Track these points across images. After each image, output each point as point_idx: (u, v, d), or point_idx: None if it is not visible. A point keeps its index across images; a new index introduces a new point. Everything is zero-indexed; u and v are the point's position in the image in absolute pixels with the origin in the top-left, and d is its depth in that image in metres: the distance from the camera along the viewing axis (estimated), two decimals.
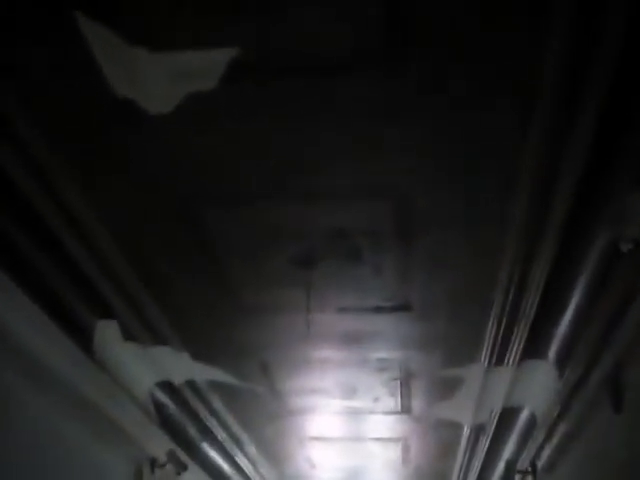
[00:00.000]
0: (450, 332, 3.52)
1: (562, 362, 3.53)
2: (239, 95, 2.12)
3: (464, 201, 2.55)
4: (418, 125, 2.21)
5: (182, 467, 4.74)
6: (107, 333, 3.56)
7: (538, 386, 3.92)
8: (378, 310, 3.35)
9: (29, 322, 2.96)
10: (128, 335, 3.66)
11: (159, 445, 4.53)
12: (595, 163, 2.27)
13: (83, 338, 3.42)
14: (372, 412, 4.80)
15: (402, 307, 3.32)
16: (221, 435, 5.23)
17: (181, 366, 4.07)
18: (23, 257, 2.80)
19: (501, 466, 5.11)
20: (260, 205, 2.67)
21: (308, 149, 2.34)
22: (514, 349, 3.60)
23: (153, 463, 4.41)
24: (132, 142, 2.33)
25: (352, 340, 3.69)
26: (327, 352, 3.85)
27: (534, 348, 3.56)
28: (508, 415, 4.45)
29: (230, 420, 4.99)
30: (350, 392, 4.45)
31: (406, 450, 5.55)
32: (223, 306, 3.38)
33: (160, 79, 2.07)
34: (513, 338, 3.50)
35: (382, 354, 3.87)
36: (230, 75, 2.03)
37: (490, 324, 3.40)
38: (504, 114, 2.14)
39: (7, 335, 2.84)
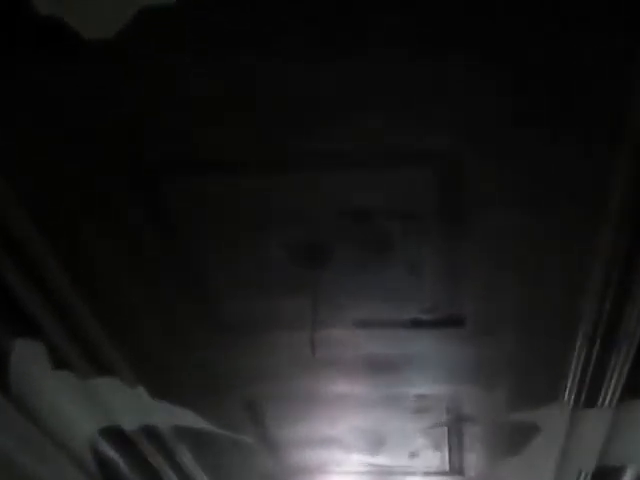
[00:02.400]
0: (519, 358, 3.54)
1: None
2: (210, 12, 2.10)
3: (536, 170, 2.52)
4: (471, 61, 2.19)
5: None
6: (29, 358, 3.61)
7: None
8: (415, 324, 3.38)
9: None
10: (59, 361, 3.73)
11: None
12: None
13: None
14: (408, 472, 4.88)
15: (450, 321, 3.34)
16: None
17: (135, 405, 4.16)
18: None
19: None
20: (242, 177, 2.67)
21: (311, 96, 2.33)
22: (612, 384, 3.64)
23: None
24: (60, 79, 2.32)
25: (378, 368, 3.74)
26: (342, 385, 3.91)
27: None
28: (604, 478, 4.47)
29: None
30: (376, 444, 4.53)
31: None
32: (194, 322, 3.44)
33: None
34: (610, 369, 3.53)
35: (421, 389, 3.93)
36: None
37: (577, 348, 3.41)
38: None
39: None
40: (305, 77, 2.25)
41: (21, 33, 2.19)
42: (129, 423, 4.34)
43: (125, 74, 2.30)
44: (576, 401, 3.81)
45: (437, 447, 4.47)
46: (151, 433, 4.44)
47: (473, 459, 4.57)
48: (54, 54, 2.24)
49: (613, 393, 3.68)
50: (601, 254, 2.86)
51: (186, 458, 4.74)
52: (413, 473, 4.86)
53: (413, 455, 4.59)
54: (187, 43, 2.18)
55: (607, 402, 3.76)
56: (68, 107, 2.42)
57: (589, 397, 3.76)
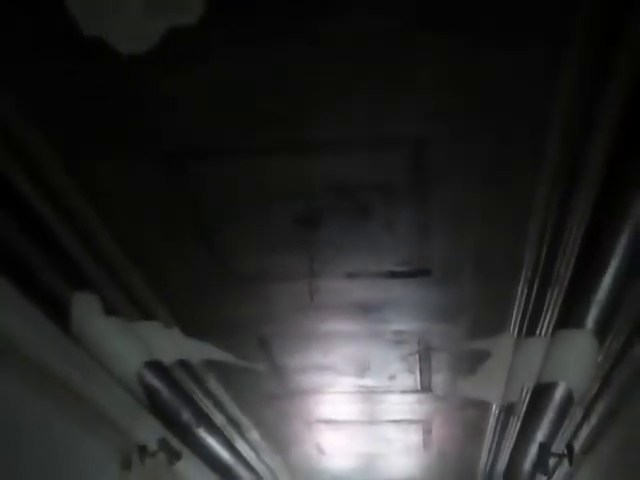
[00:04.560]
0: (475, 299, 3.52)
1: (602, 331, 3.55)
2: (224, 30, 2.07)
3: (488, 148, 2.51)
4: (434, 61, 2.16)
5: (176, 456, 4.81)
6: (86, 307, 3.60)
7: (575, 359, 3.94)
8: (392, 275, 3.34)
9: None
10: (110, 309, 3.70)
11: (149, 432, 4.60)
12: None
13: (59, 313, 3.45)
14: (388, 391, 4.83)
15: (420, 271, 3.31)
16: (219, 419, 5.30)
17: (171, 343, 4.12)
18: None
19: (534, 449, 5.14)
20: (252, 159, 2.64)
21: (305, 92, 2.31)
22: (547, 317, 3.62)
23: (143, 452, 4.46)
24: (104, 88, 2.29)
25: (363, 310, 3.71)
26: (335, 324, 3.87)
27: (570, 316, 3.58)
28: (542, 392, 4.49)
29: (228, 403, 5.06)
30: (362, 369, 4.49)
31: (427, 433, 5.61)
32: (215, 275, 3.39)
33: (133, 14, 2.03)
34: (546, 305, 3.51)
35: (398, 325, 3.88)
36: (213, 7, 1.99)
37: (520, 289, 3.39)
38: (534, 48, 2.10)
39: None
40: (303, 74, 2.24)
41: (70, 50, 2.16)
42: (167, 358, 4.29)
43: (153, 80, 2.28)
44: (519, 332, 3.79)
45: (411, 371, 4.44)
46: (185, 365, 4.40)
47: (439, 379, 4.55)
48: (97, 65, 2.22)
49: (548, 325, 3.66)
50: (535, 215, 2.85)
51: (213, 384, 4.71)
52: (392, 392, 4.83)
53: (392, 377, 4.57)
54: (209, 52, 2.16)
55: (544, 332, 3.74)
56: (108, 106, 2.39)
57: (529, 328, 3.74)
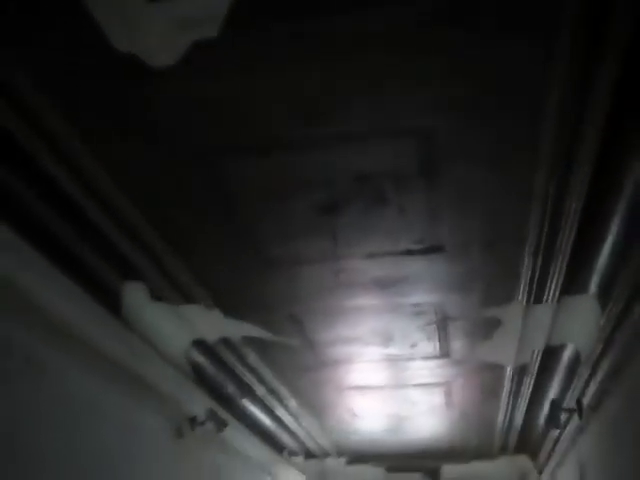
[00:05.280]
0: (485, 271, 3.52)
1: (604, 296, 3.54)
2: (245, 41, 2.10)
3: (489, 133, 2.52)
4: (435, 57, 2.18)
5: (222, 424, 4.87)
6: (135, 295, 3.68)
7: (580, 322, 3.94)
8: (408, 253, 3.35)
9: (60, 293, 3.04)
10: (157, 296, 3.77)
11: (198, 404, 4.65)
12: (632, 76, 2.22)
13: (112, 302, 3.53)
14: (411, 358, 4.84)
15: (433, 249, 3.32)
16: (260, 390, 5.37)
17: (213, 323, 4.17)
18: (45, 227, 2.89)
19: (547, 406, 5.15)
20: (277, 154, 2.67)
21: (322, 93, 2.34)
22: (553, 285, 3.61)
23: (193, 422, 4.53)
24: (141, 98, 2.35)
25: (384, 286, 3.72)
26: (359, 300, 3.88)
27: (574, 283, 3.58)
28: (551, 354, 4.50)
29: (267, 375, 5.10)
30: (387, 339, 4.50)
31: (448, 395, 5.62)
32: (249, 260, 3.43)
33: (160, 30, 2.07)
34: (551, 274, 3.50)
35: (416, 298, 3.88)
36: (233, 20, 2.02)
37: (525, 260, 3.38)
38: (528, 32, 2.10)
39: (41, 309, 2.91)
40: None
41: (105, 65, 2.20)
42: (210, 336, 4.35)
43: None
44: (527, 299, 3.79)
45: (430, 339, 4.46)
46: (227, 342, 4.45)
47: (457, 345, 4.57)
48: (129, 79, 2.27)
49: (554, 292, 3.67)
50: (537, 192, 2.85)
51: (253, 358, 4.76)
52: (414, 359, 4.84)
53: (413, 346, 4.58)
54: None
55: (550, 299, 3.75)
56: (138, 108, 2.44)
57: (537, 296, 3.74)
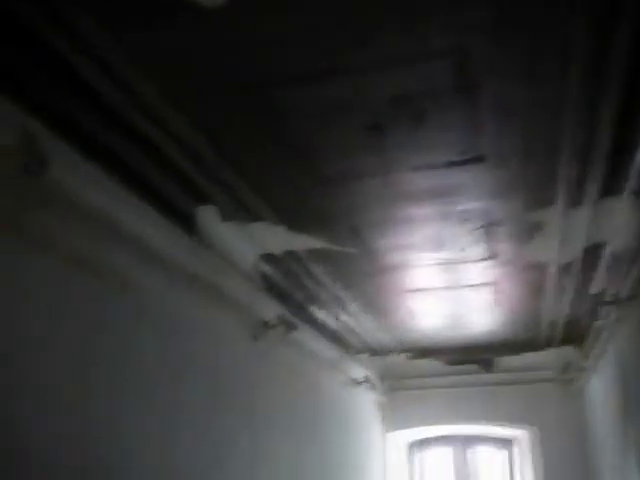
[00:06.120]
0: (525, 178, 3.54)
1: (638, 197, 3.51)
2: None
3: (522, 47, 2.52)
4: None
5: (292, 327, 5.08)
6: (208, 217, 3.87)
7: (617, 222, 3.92)
8: (452, 164, 3.39)
9: (147, 222, 3.30)
10: (227, 216, 3.95)
11: (270, 310, 4.87)
12: None
13: (189, 224, 3.75)
14: (461, 261, 4.91)
15: (475, 159, 3.35)
16: (324, 296, 5.55)
17: (279, 238, 4.33)
18: (124, 160, 3.07)
19: (588, 300, 5.18)
20: (323, 81, 2.74)
21: (355, 21, 2.38)
22: (589, 189, 3.62)
23: (266, 325, 4.74)
24: (192, 37, 2.43)
25: (432, 196, 3.79)
26: (411, 209, 3.96)
27: (610, 186, 3.55)
28: (591, 252, 4.51)
29: (330, 283, 5.27)
30: (438, 245, 4.57)
31: (498, 293, 5.69)
32: (307, 179, 3.54)
33: None
34: (588, 179, 3.51)
35: (463, 206, 3.93)
36: None
37: (563, 167, 3.39)
38: None
39: (132, 237, 3.17)
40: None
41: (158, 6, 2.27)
42: (277, 250, 4.52)
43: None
44: (567, 203, 3.82)
45: (478, 242, 4.51)
46: (292, 255, 4.62)
47: (503, 248, 4.62)
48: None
49: (591, 195, 3.69)
50: (570, 101, 2.85)
51: (316, 268, 4.92)
52: (465, 261, 4.92)
53: (463, 249, 4.65)
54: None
55: (587, 202, 3.78)
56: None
57: (575, 199, 3.77)
